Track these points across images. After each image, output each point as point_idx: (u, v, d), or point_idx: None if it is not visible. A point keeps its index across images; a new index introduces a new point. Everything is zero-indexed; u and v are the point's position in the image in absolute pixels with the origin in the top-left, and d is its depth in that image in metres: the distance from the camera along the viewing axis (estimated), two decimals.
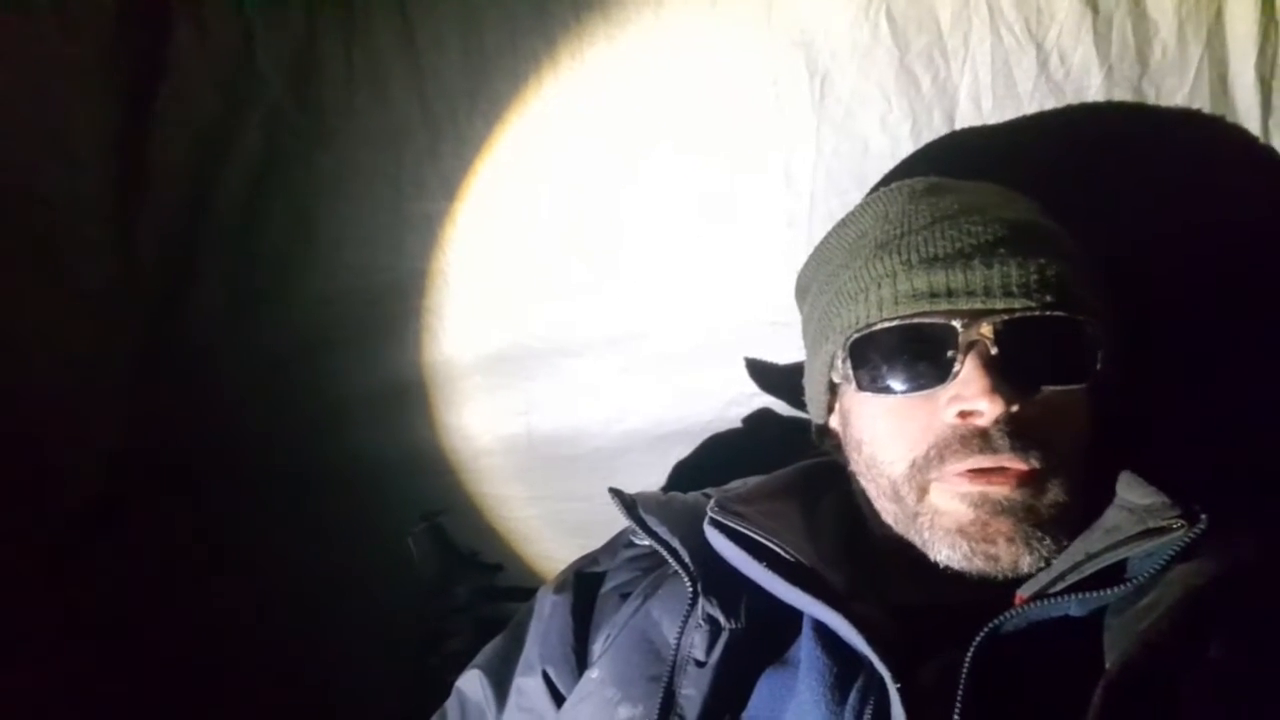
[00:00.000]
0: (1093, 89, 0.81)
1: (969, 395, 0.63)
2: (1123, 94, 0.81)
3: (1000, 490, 0.63)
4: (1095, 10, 0.79)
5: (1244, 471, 0.71)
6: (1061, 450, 0.65)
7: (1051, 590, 0.61)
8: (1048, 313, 0.64)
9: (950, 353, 0.65)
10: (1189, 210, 0.82)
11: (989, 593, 0.64)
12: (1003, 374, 0.63)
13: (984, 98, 0.83)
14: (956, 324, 0.65)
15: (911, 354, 0.67)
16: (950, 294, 0.65)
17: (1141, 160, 0.82)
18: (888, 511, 0.70)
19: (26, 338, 1.06)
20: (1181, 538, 0.59)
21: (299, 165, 1.03)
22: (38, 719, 1.10)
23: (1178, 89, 0.80)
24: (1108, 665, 0.57)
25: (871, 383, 0.69)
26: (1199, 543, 0.60)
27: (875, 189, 0.85)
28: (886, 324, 0.68)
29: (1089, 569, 0.61)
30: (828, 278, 0.75)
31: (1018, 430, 0.63)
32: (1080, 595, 0.60)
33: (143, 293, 1.09)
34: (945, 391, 0.65)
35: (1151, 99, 0.80)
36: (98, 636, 1.14)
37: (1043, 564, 0.64)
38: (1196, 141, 0.81)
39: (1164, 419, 0.76)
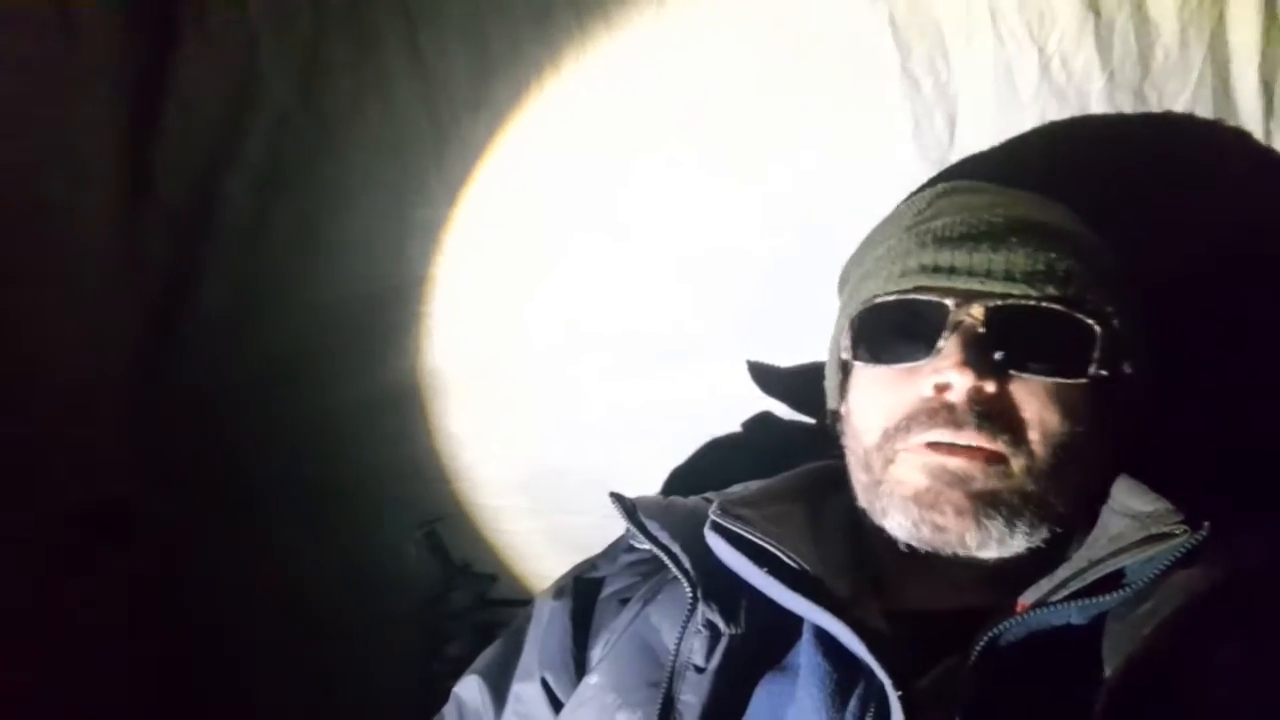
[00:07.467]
0: (1095, 93, 0.81)
1: (943, 369, 0.64)
2: (1125, 98, 0.81)
3: (958, 463, 0.63)
4: (1097, 14, 0.79)
5: (1244, 476, 0.70)
6: (1041, 441, 0.64)
7: (1053, 598, 0.60)
8: (1044, 304, 0.64)
9: (939, 330, 0.65)
10: (1191, 214, 0.82)
11: (992, 599, 0.63)
12: (983, 354, 0.63)
13: (985, 102, 0.83)
14: (949, 302, 0.65)
15: (903, 329, 0.67)
16: (951, 271, 0.66)
17: (1143, 165, 0.82)
18: (859, 483, 0.70)
19: (29, 342, 1.06)
20: (1183, 544, 0.59)
21: (304, 172, 1.04)
22: (38, 719, 1.09)
23: (1180, 93, 0.80)
24: (1109, 671, 0.56)
25: (865, 355, 0.70)
26: (1201, 548, 0.59)
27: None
28: (886, 298, 0.69)
29: (1091, 576, 0.60)
30: (857, 265, 0.77)
31: (988, 412, 0.63)
32: (1081, 602, 0.59)
33: (146, 298, 1.10)
34: (929, 366, 0.65)
35: (1154, 103, 0.80)
36: (98, 639, 1.14)
37: (991, 545, 0.63)
38: (1199, 145, 0.81)
39: (1164, 423, 0.75)
